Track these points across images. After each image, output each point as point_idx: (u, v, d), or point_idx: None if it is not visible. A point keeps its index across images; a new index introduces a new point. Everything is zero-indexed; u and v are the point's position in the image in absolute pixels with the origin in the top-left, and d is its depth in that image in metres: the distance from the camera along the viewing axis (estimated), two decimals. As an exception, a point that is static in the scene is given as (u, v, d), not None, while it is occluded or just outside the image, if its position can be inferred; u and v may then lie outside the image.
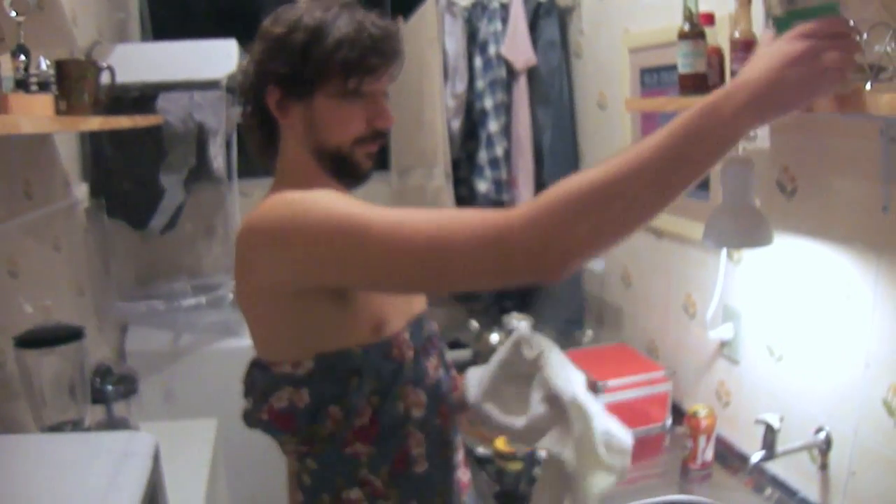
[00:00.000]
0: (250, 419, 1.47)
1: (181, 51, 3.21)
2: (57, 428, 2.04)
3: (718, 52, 1.91)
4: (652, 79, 2.69)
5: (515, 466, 2.20)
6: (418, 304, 1.58)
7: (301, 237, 1.28)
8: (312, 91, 1.41)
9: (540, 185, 3.42)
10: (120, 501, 1.58)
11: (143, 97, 3.02)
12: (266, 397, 1.41)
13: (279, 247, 1.30)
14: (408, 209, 1.25)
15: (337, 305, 1.37)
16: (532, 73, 3.36)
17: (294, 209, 1.30)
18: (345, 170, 1.47)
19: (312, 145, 1.45)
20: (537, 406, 1.47)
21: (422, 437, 1.47)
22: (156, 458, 1.78)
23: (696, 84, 1.93)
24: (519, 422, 1.50)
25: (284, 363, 1.39)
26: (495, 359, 1.60)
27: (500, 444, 2.19)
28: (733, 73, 1.81)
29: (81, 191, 2.91)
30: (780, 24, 1.36)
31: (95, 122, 2.11)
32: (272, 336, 1.44)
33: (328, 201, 1.30)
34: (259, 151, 1.57)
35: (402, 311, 1.50)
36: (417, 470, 1.47)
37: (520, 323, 3.04)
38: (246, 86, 1.50)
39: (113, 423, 2.32)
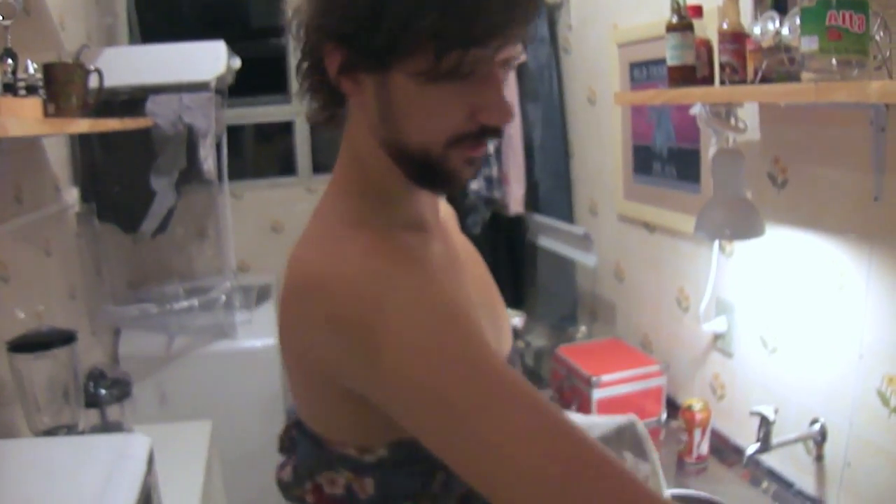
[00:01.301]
0: (286, 490, 1.13)
1: (169, 53, 3.21)
2: (51, 432, 2.05)
3: (707, 44, 1.91)
4: (641, 73, 2.69)
5: None
6: (507, 341, 1.24)
7: (400, 373, 0.90)
8: (388, 64, 0.96)
9: (531, 181, 3.43)
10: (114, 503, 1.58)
11: (132, 100, 3.02)
12: (313, 475, 1.07)
13: (364, 361, 0.92)
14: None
15: None
16: (521, 70, 3.36)
17: (413, 320, 0.91)
18: (432, 178, 1.04)
19: (386, 138, 1.02)
20: None
21: None
22: (150, 461, 1.78)
23: (684, 76, 1.94)
24: None
25: (347, 444, 1.03)
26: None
27: None
28: (722, 65, 1.81)
29: (72, 195, 2.90)
30: (810, 14, 1.35)
31: (84, 125, 2.11)
32: (331, 412, 1.04)
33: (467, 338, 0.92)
34: (324, 122, 1.13)
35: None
36: None
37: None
38: (300, 29, 1.05)
39: (107, 427, 2.33)
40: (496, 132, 1.01)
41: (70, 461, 1.72)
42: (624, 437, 1.64)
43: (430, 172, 1.03)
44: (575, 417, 1.34)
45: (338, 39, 0.98)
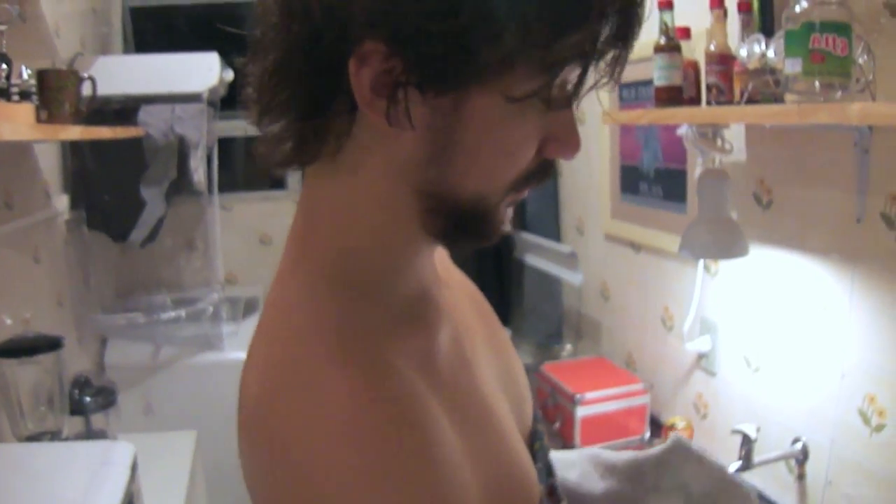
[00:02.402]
0: None
1: (163, 63, 3.21)
2: (35, 438, 2.04)
3: (694, 66, 1.93)
4: (630, 93, 2.71)
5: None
6: (528, 401, 1.02)
7: None
8: (477, 80, 0.68)
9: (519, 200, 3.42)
10: (96, 509, 1.58)
11: (124, 109, 3.02)
12: None
13: None
14: None
15: None
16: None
17: None
18: (474, 232, 0.78)
19: (428, 185, 0.74)
20: None
21: None
22: (133, 468, 1.78)
23: (671, 96, 1.96)
24: None
25: None
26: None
27: None
28: (709, 86, 1.83)
29: (62, 202, 2.90)
30: (794, 37, 1.37)
31: (76, 132, 2.11)
32: None
33: None
34: (292, 151, 0.76)
35: (526, 455, 0.90)
36: None
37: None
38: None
39: (91, 435, 2.32)
40: (551, 169, 0.79)
41: (53, 467, 1.72)
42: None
43: (474, 225, 0.77)
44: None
45: (392, 39, 0.66)
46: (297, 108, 0.73)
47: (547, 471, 0.98)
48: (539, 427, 1.00)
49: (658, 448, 1.14)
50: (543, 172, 0.78)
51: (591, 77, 0.71)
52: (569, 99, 0.73)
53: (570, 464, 1.15)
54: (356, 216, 0.78)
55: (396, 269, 0.81)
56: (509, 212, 0.79)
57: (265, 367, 0.77)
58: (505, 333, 1.06)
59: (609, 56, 0.71)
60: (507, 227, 0.80)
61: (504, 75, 0.67)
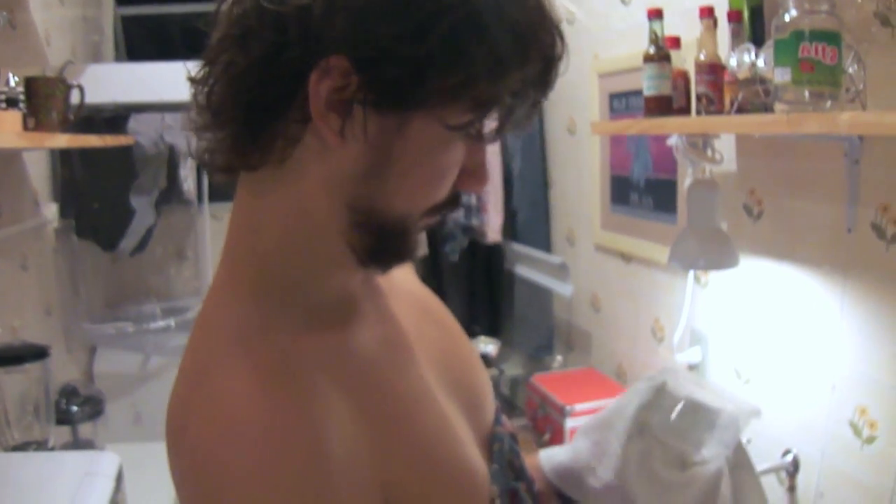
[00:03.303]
0: None
1: (153, 72, 3.20)
2: (20, 448, 2.03)
3: (684, 76, 1.93)
4: (621, 104, 2.71)
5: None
6: (488, 404, 1.06)
7: None
8: (422, 104, 0.74)
9: (509, 209, 3.43)
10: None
11: (115, 118, 3.03)
12: None
13: None
14: None
15: None
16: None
17: None
18: (393, 253, 0.85)
19: (361, 201, 0.79)
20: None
21: None
22: (118, 479, 1.77)
23: (660, 106, 1.95)
24: None
25: None
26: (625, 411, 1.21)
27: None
28: (698, 96, 1.83)
29: (51, 210, 2.89)
30: (783, 46, 1.37)
31: (63, 140, 2.11)
32: None
33: None
34: (239, 156, 0.80)
35: (477, 457, 0.95)
36: None
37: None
38: (257, 19, 0.73)
39: (78, 445, 2.31)
40: (458, 202, 0.86)
41: (38, 477, 1.71)
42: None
43: (395, 244, 0.83)
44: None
45: (356, 57, 0.71)
46: (251, 113, 0.76)
47: (516, 474, 1.02)
48: (499, 430, 1.04)
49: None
50: (453, 202, 0.84)
51: (512, 117, 0.79)
52: (491, 135, 0.80)
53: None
54: (291, 224, 0.82)
55: (318, 277, 0.85)
56: (422, 236, 0.84)
57: (181, 378, 0.82)
58: (467, 342, 1.10)
59: (530, 100, 0.79)
60: (420, 251, 0.90)
61: (447, 106, 0.74)
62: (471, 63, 0.72)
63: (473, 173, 0.83)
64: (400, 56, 0.70)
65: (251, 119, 0.76)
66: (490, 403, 1.06)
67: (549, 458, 1.24)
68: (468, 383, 1.04)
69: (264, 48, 0.73)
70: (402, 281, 1.04)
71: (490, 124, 0.78)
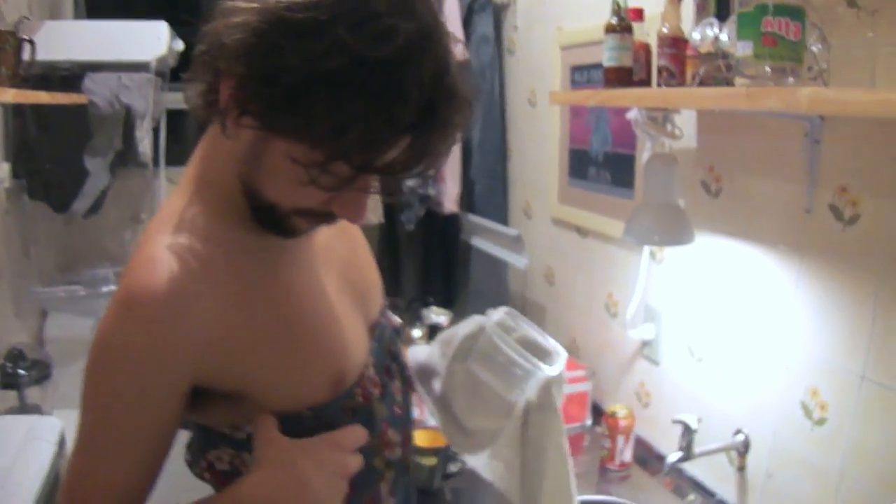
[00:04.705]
0: (191, 468, 1.20)
1: (111, 30, 3.15)
2: (-38, 412, 1.98)
3: (646, 48, 1.90)
4: (582, 76, 2.68)
5: (430, 462, 2.14)
6: (375, 302, 1.32)
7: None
8: (281, 134, 0.94)
9: (467, 180, 3.40)
10: (20, 484, 1.55)
11: (71, 76, 2.97)
12: (203, 453, 1.16)
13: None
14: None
15: (274, 372, 1.09)
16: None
17: (96, 374, 1.10)
18: (272, 225, 1.06)
19: (244, 179, 1.02)
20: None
21: (392, 475, 1.24)
22: (61, 444, 1.75)
23: (620, 77, 1.93)
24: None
25: (220, 424, 1.13)
26: (454, 339, 1.38)
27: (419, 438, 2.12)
28: (659, 69, 1.80)
29: (2, 170, 2.82)
30: (747, 19, 1.34)
31: (9, 94, 2.05)
32: (195, 400, 1.09)
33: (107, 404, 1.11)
34: (200, 112, 1.06)
35: (360, 336, 1.23)
36: None
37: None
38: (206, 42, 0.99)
39: (25, 410, 2.28)
40: (334, 220, 1.07)
41: (-25, 441, 1.68)
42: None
43: (270, 221, 1.05)
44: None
45: (248, 76, 0.92)
46: (207, 94, 1.01)
47: (392, 356, 1.31)
48: (382, 320, 1.31)
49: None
50: (330, 217, 1.05)
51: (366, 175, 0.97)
52: (342, 183, 0.95)
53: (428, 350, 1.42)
54: (225, 167, 1.04)
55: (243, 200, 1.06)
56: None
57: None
58: (367, 256, 1.36)
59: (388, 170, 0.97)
60: (307, 233, 1.09)
61: (300, 142, 0.92)
62: (309, 117, 0.89)
63: (348, 206, 1.02)
64: (273, 87, 0.89)
65: (207, 95, 1.01)
66: (377, 303, 1.32)
67: (414, 353, 1.44)
68: (363, 288, 1.29)
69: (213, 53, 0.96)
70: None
71: (345, 173, 0.94)
